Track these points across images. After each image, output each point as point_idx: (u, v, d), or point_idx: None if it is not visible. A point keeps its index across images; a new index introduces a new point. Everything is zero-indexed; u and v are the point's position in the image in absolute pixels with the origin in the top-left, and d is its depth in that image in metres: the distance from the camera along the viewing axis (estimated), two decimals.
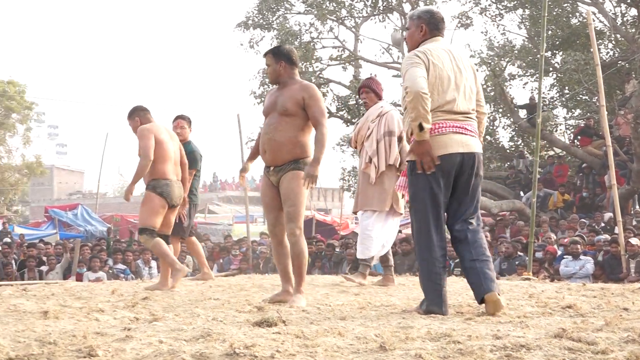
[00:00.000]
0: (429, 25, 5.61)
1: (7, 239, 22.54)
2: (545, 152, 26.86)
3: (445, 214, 5.49)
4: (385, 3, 25.10)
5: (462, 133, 5.39)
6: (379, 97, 8.40)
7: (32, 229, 30.93)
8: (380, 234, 8.19)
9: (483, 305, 5.31)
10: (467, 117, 5.47)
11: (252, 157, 6.94)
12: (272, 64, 6.55)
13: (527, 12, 26.06)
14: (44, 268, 16.82)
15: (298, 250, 6.35)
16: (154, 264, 17.56)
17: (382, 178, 8.15)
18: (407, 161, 5.63)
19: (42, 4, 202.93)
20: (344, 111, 24.09)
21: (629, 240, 13.55)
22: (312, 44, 24.53)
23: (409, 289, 7.65)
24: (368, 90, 8.48)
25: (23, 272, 16.98)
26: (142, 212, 8.23)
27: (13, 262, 17.76)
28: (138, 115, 8.43)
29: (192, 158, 9.64)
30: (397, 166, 8.14)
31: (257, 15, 25.24)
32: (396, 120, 8.21)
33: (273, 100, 6.51)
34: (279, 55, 6.55)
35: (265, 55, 6.64)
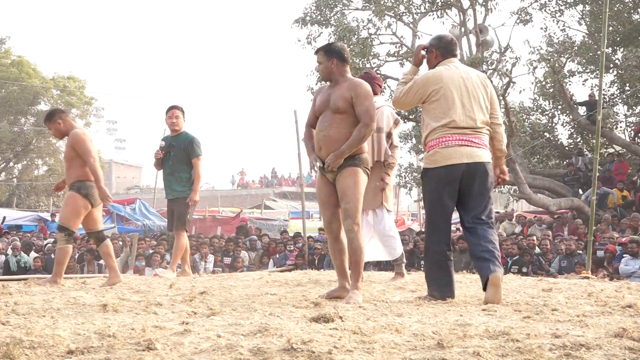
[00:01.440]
0: (439, 50, 6.49)
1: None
2: (604, 150, 26.51)
3: (461, 212, 6.30)
4: None
5: (468, 145, 6.16)
6: (375, 92, 8.25)
7: None
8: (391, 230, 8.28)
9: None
10: (475, 131, 6.21)
11: (313, 150, 6.77)
12: (324, 62, 6.57)
13: (588, 8, 25.71)
14: (102, 261, 17.00)
15: (356, 246, 6.32)
16: (211, 258, 17.69)
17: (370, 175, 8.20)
18: (422, 167, 6.54)
19: (103, 0, 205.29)
20: None
21: None
22: (369, 40, 24.44)
23: (466, 286, 7.59)
24: None
25: (83, 265, 17.20)
26: (65, 212, 8.34)
27: (76, 255, 17.98)
28: (60, 118, 8.52)
29: (195, 145, 9.77)
30: (384, 163, 8.16)
31: (314, 12, 25.21)
32: (385, 116, 8.20)
33: (326, 98, 6.55)
34: (330, 53, 6.56)
35: (317, 52, 6.67)
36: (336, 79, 6.56)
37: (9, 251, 18.00)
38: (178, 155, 9.82)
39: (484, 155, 6.23)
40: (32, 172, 47.27)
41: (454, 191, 6.18)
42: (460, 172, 6.11)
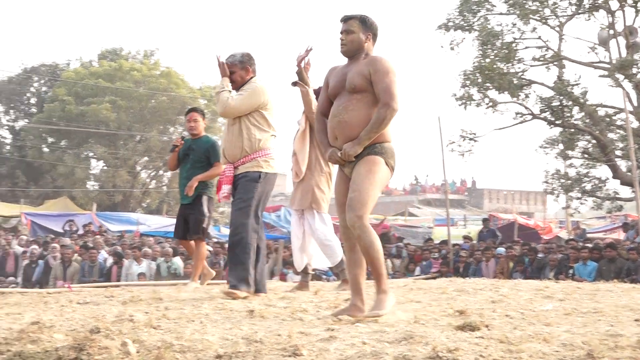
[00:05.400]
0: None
1: (215, 239, 23.34)
2: None
3: None
4: (591, 1, 24.30)
5: None
6: None
7: None
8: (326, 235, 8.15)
9: None
10: None
11: (329, 145, 5.78)
12: (359, 32, 5.68)
13: None
14: None
15: (365, 243, 5.36)
16: None
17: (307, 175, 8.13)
18: None
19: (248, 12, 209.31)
20: (548, 112, 23.50)
21: None
22: (514, 44, 24.07)
23: (617, 295, 7.36)
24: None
25: None
26: None
27: (221, 261, 18.34)
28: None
29: (217, 149, 9.07)
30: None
31: (457, 17, 25.01)
32: None
33: (341, 78, 5.68)
34: (369, 27, 5.74)
35: (349, 19, 5.76)
36: (358, 56, 5.71)
37: (160, 257, 18.50)
38: (197, 159, 9.24)
39: None
40: None
41: None
42: None
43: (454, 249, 19.13)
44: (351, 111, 5.51)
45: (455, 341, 4.02)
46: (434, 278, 12.25)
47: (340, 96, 5.63)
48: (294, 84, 8.08)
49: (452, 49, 25.35)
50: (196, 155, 9.21)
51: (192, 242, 9.36)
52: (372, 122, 5.39)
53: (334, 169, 7.75)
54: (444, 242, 20.05)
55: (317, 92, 7.79)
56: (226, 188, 7.24)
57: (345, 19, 5.73)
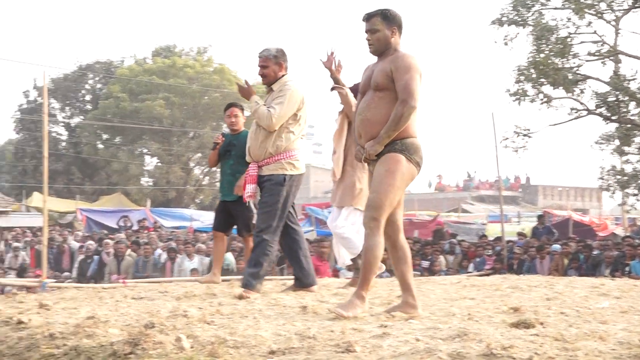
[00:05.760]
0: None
1: None
2: None
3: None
4: None
5: None
6: None
7: None
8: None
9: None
10: None
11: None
12: (383, 29, 5.59)
13: None
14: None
15: (368, 244, 5.38)
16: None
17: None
18: None
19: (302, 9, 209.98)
20: (603, 108, 23.20)
21: None
22: (569, 39, 23.79)
23: None
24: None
25: (282, 267, 17.60)
26: None
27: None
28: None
29: None
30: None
31: (511, 12, 24.78)
32: None
33: (369, 75, 5.68)
34: (391, 20, 5.62)
35: (370, 18, 5.66)
36: (387, 53, 5.62)
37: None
38: (240, 154, 8.78)
39: None
40: None
41: None
42: None
43: (507, 246, 19.00)
44: (373, 109, 5.52)
45: (509, 338, 3.99)
46: (488, 275, 12.16)
47: (367, 94, 5.66)
48: (332, 89, 8.09)
49: (505, 44, 25.13)
50: (239, 150, 8.98)
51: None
52: (390, 120, 5.36)
53: None
54: (498, 239, 19.91)
55: (353, 90, 7.79)
56: (250, 187, 7.25)
57: (367, 18, 5.67)
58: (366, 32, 5.67)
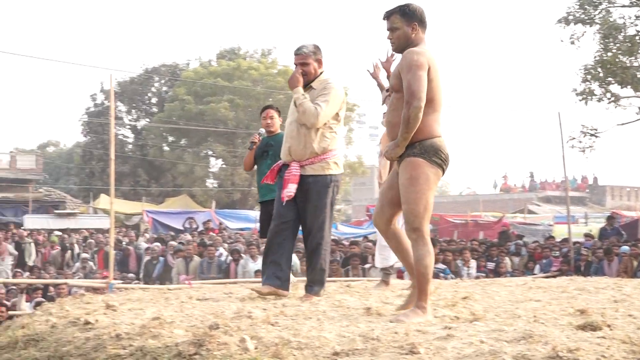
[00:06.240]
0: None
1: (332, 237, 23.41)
2: None
3: None
4: None
5: None
6: None
7: (354, 227, 32.09)
8: None
9: None
10: None
11: None
12: (402, 27, 5.46)
13: None
14: (367, 265, 17.30)
15: (416, 255, 5.34)
16: (473, 263, 17.55)
17: None
18: None
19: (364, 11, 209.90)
20: None
21: None
22: (637, 37, 23.44)
23: None
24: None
25: (347, 268, 17.60)
26: None
27: (337, 258, 18.41)
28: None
29: None
30: None
31: (578, 10, 24.51)
32: None
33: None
34: (411, 16, 5.47)
35: (389, 16, 5.54)
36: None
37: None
38: (278, 155, 8.40)
39: None
40: None
41: None
42: None
43: (575, 247, 18.75)
44: (392, 111, 5.50)
45: (575, 341, 3.94)
46: (554, 276, 12.02)
47: (392, 96, 5.63)
48: (383, 102, 8.14)
49: (572, 43, 24.88)
50: (276, 151, 8.83)
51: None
52: (401, 124, 5.28)
53: None
54: (565, 240, 19.68)
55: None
56: (293, 187, 6.95)
57: (387, 16, 5.56)
58: (387, 31, 5.58)
